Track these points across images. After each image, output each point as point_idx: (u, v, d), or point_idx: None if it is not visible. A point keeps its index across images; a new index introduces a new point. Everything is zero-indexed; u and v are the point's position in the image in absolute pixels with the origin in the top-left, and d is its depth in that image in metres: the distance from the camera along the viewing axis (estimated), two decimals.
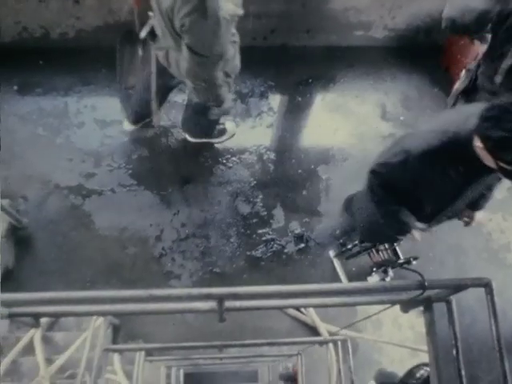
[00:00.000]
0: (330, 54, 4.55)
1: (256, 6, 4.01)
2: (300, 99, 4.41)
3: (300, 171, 4.10)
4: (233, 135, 4.16)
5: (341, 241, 3.78)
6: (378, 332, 4.36)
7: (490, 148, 1.85)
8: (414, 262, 3.41)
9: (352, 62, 4.58)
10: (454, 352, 1.87)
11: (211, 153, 4.11)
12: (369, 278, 3.62)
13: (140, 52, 4.23)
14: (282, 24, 4.28)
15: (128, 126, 4.02)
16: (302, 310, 4.05)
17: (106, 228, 3.82)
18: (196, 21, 2.41)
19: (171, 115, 4.19)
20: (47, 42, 4.26)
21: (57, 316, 3.48)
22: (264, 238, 3.87)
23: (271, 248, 3.85)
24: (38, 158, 3.97)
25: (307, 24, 4.36)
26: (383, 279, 3.54)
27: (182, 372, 5.67)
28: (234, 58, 2.98)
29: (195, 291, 1.71)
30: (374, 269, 3.61)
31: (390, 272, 3.54)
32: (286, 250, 3.86)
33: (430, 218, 2.46)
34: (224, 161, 4.09)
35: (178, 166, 4.05)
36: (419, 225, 2.37)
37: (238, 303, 1.88)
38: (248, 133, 4.24)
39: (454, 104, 3.22)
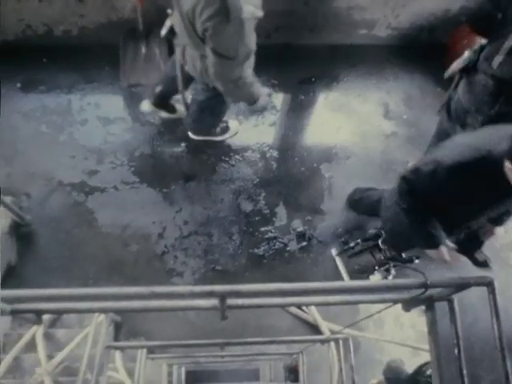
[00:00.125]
0: (334, 53, 4.55)
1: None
2: (303, 98, 4.41)
3: (303, 169, 4.10)
4: (236, 133, 4.16)
5: (343, 239, 3.79)
6: (380, 331, 4.36)
7: None
8: (416, 261, 3.41)
9: (355, 61, 4.57)
10: (456, 351, 1.87)
11: (214, 150, 4.11)
12: (371, 277, 3.62)
13: (143, 50, 4.26)
14: (285, 22, 4.28)
15: (146, 107, 4.01)
16: (304, 308, 4.06)
17: (109, 225, 3.83)
18: (219, 24, 2.40)
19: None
20: (50, 39, 4.26)
21: (59, 313, 3.49)
22: (266, 236, 3.87)
23: (273, 246, 3.85)
24: (41, 155, 3.98)
25: (311, 22, 4.35)
26: (385, 278, 3.54)
27: (183, 370, 5.68)
28: None
29: (197, 289, 1.71)
30: (376, 267, 3.61)
31: (392, 271, 3.54)
32: (288, 248, 3.86)
33: (451, 230, 2.44)
34: (227, 159, 4.09)
35: (181, 164, 4.06)
36: (449, 242, 2.34)
37: (240, 301, 1.88)
38: (251, 131, 4.24)
39: (450, 79, 3.19)
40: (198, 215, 3.90)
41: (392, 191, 2.36)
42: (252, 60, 2.76)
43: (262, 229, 3.89)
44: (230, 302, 1.81)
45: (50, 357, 3.82)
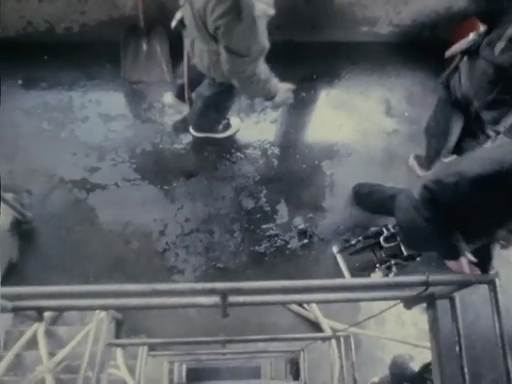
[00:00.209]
0: (335, 50, 4.54)
1: None
2: (304, 95, 4.40)
3: (304, 167, 4.10)
4: (237, 130, 4.16)
5: (344, 237, 3.78)
6: (381, 329, 4.36)
7: None
8: (418, 259, 3.41)
9: (357, 59, 4.56)
10: (457, 349, 1.87)
11: (215, 148, 4.11)
12: (372, 275, 3.61)
13: (144, 47, 4.25)
14: (286, 20, 4.27)
15: (169, 99, 3.99)
16: (305, 305, 4.06)
17: (110, 222, 3.83)
18: (231, 22, 2.39)
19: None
20: (52, 36, 4.26)
21: (60, 310, 3.50)
22: (268, 234, 3.87)
23: (275, 243, 3.85)
24: (43, 152, 3.98)
25: (312, 20, 4.35)
26: (386, 275, 3.53)
27: (184, 367, 5.69)
28: None
29: (199, 286, 1.71)
30: (378, 265, 3.61)
31: (394, 268, 3.53)
32: (289, 246, 3.86)
33: (471, 242, 2.42)
34: (228, 156, 4.09)
35: (182, 161, 4.05)
36: (470, 256, 2.32)
37: (241, 298, 1.88)
38: (252, 128, 4.24)
39: (451, 59, 3.19)
40: (200, 212, 3.90)
41: (408, 194, 2.33)
42: None
43: (264, 226, 3.89)
44: (232, 299, 1.80)
45: (51, 354, 3.83)
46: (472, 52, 2.96)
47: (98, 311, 2.83)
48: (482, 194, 1.99)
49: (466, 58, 3.05)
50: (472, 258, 2.19)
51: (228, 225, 3.88)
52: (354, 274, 3.71)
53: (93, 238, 3.78)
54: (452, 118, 3.37)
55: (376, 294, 2.08)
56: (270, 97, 3.04)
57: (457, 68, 3.15)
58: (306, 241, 3.85)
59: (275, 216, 3.93)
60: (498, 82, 2.84)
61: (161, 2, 4.02)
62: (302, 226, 3.88)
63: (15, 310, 1.83)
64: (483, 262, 2.72)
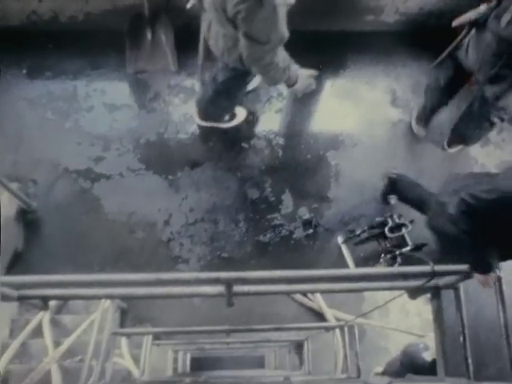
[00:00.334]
0: (341, 40, 4.49)
1: None
2: None
3: (309, 157, 4.09)
4: (242, 120, 4.14)
5: (349, 227, 3.78)
6: (386, 319, 4.37)
7: None
8: (423, 249, 3.40)
9: (362, 48, 4.52)
10: (462, 339, 1.88)
11: (220, 138, 4.10)
12: (377, 265, 3.62)
13: (149, 36, 4.23)
14: (291, 9, 4.22)
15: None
16: (309, 295, 4.07)
17: (115, 212, 3.83)
18: (252, 8, 2.37)
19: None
20: (56, 25, 4.24)
21: (65, 299, 3.50)
22: (272, 224, 3.87)
23: (279, 233, 3.85)
24: (47, 141, 3.98)
25: (318, 9, 4.31)
26: (391, 266, 3.53)
27: (188, 356, 5.71)
28: None
29: (204, 275, 1.72)
30: (382, 255, 3.61)
31: (398, 258, 3.53)
32: (294, 236, 3.86)
33: (503, 258, 2.41)
34: (233, 146, 4.08)
35: (187, 151, 4.05)
36: (499, 272, 2.31)
37: (246, 288, 1.88)
38: (257, 118, 4.22)
39: (460, 28, 3.18)
40: (204, 202, 3.90)
41: (443, 205, 2.31)
42: None
43: (268, 216, 3.89)
44: (236, 288, 1.81)
45: (56, 343, 3.85)
46: (480, 24, 2.95)
47: (102, 300, 2.84)
48: None
49: (474, 31, 3.04)
50: (500, 275, 2.18)
51: (233, 215, 3.88)
52: (358, 264, 3.71)
53: (97, 227, 3.79)
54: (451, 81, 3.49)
55: (381, 283, 2.08)
56: (290, 83, 3.02)
57: (464, 38, 3.15)
58: (310, 231, 3.85)
59: (280, 206, 3.93)
60: (502, 55, 2.83)
61: None
62: (306, 216, 3.88)
63: (21, 298, 1.84)
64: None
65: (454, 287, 1.94)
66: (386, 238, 3.58)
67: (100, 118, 4.11)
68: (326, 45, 4.43)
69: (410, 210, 3.57)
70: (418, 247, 3.51)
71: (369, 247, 3.74)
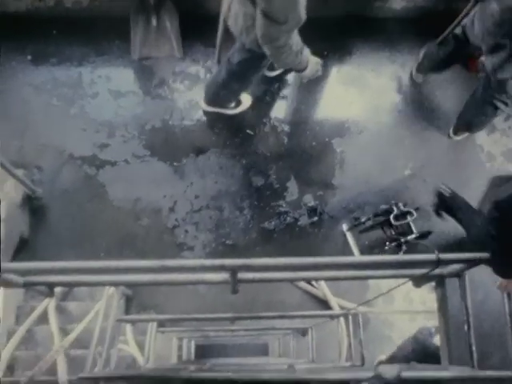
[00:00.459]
0: (347, 26, 4.46)
1: None
2: None
3: (314, 144, 4.07)
4: (248, 107, 4.12)
5: (354, 214, 3.78)
6: (390, 306, 4.38)
7: None
8: (428, 237, 3.40)
9: (369, 34, 4.48)
10: (466, 328, 1.87)
11: (225, 124, 4.08)
12: (382, 253, 3.62)
13: (154, 22, 4.21)
14: None
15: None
16: (314, 283, 4.07)
17: (120, 199, 3.84)
18: None
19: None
20: (61, 11, 4.22)
21: (70, 285, 3.53)
22: (277, 211, 3.87)
23: (284, 221, 3.85)
24: (52, 128, 3.98)
25: None
26: (396, 253, 3.53)
27: (193, 343, 5.75)
28: None
29: (208, 262, 1.72)
30: (387, 243, 3.61)
31: (404, 246, 3.53)
32: (299, 223, 3.86)
33: None
34: (238, 133, 4.07)
35: (192, 138, 4.04)
36: None
37: (250, 275, 1.88)
38: (263, 105, 4.20)
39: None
40: (209, 189, 3.90)
41: (482, 214, 2.30)
42: None
43: (273, 203, 3.89)
44: (241, 275, 1.81)
45: (62, 329, 3.87)
46: None
47: (107, 287, 2.85)
48: None
49: (479, 4, 3.06)
50: None
51: (238, 202, 3.88)
52: (363, 252, 3.71)
53: (103, 214, 3.80)
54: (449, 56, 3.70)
55: (385, 271, 2.07)
56: (300, 68, 3.00)
57: (474, 7, 3.19)
58: (315, 218, 3.84)
59: (285, 193, 3.92)
60: (504, 24, 2.82)
61: None
62: (311, 204, 3.88)
63: (26, 285, 1.85)
64: None
65: (458, 276, 1.93)
66: (391, 225, 3.57)
67: (105, 104, 4.10)
68: (331, 31, 4.40)
69: (415, 198, 3.57)
70: (423, 235, 3.50)
71: (374, 235, 3.74)
